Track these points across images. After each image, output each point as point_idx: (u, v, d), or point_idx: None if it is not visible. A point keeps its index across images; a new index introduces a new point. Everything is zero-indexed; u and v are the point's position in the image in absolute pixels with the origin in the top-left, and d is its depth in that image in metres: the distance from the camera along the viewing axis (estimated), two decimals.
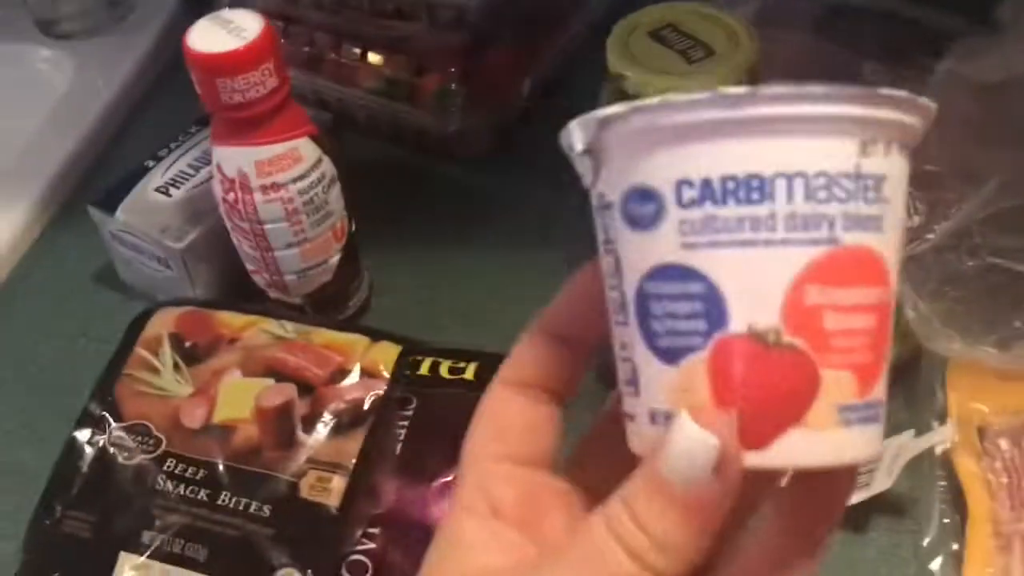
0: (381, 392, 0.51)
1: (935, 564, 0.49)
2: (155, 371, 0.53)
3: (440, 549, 0.29)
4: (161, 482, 0.49)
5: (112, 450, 0.51)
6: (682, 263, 0.25)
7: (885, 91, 0.25)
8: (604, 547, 0.25)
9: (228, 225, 0.57)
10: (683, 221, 0.25)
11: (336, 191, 0.57)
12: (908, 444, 0.51)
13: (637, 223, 0.26)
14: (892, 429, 0.54)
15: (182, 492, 0.49)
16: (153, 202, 0.61)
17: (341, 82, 0.70)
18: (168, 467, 0.50)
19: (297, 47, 0.70)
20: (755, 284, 0.25)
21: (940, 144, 0.54)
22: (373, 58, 0.69)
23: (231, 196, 0.55)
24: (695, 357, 0.25)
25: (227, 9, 0.56)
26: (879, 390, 0.26)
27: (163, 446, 0.50)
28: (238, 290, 0.62)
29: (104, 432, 0.51)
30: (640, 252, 0.26)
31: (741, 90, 0.24)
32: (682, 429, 0.25)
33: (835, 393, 0.25)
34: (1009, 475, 0.51)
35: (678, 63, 0.55)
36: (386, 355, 0.52)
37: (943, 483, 0.51)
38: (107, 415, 0.52)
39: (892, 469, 0.50)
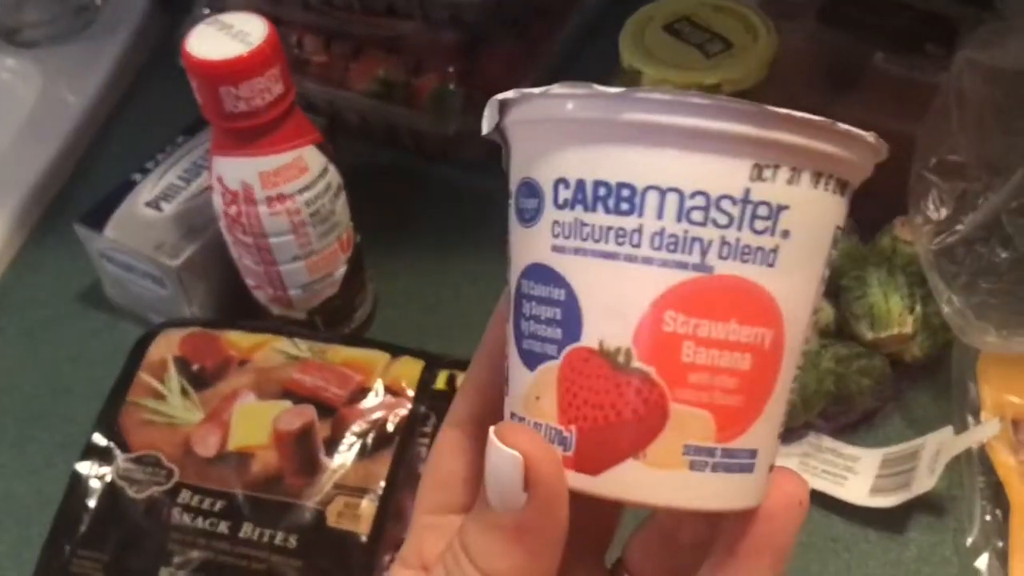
0: (406, 411, 0.49)
1: (981, 562, 0.48)
2: (161, 397, 0.50)
3: None
4: (176, 515, 0.47)
5: (121, 483, 0.48)
6: (550, 265, 0.24)
7: (787, 112, 0.22)
8: None
9: (228, 239, 0.54)
10: (556, 222, 0.24)
11: (342, 200, 0.55)
12: (948, 442, 0.50)
13: (523, 217, 0.25)
14: (922, 425, 0.53)
15: (200, 525, 0.46)
16: (144, 218, 0.58)
17: (331, 85, 0.67)
18: (183, 499, 0.47)
19: (285, 49, 0.67)
20: (612, 300, 0.23)
21: (963, 134, 0.53)
22: (365, 59, 0.67)
23: (233, 209, 0.52)
24: (549, 365, 0.24)
25: (208, 12, 0.53)
26: (752, 439, 0.24)
27: (175, 477, 0.48)
28: (236, 307, 0.59)
29: (111, 464, 0.48)
30: (523, 248, 0.25)
31: (616, 90, 0.22)
32: (490, 447, 0.24)
33: (686, 432, 0.23)
34: None
35: (696, 57, 0.53)
36: (409, 371, 0.50)
37: (982, 478, 0.50)
38: (113, 446, 0.49)
39: (934, 468, 0.49)
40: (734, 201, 0.23)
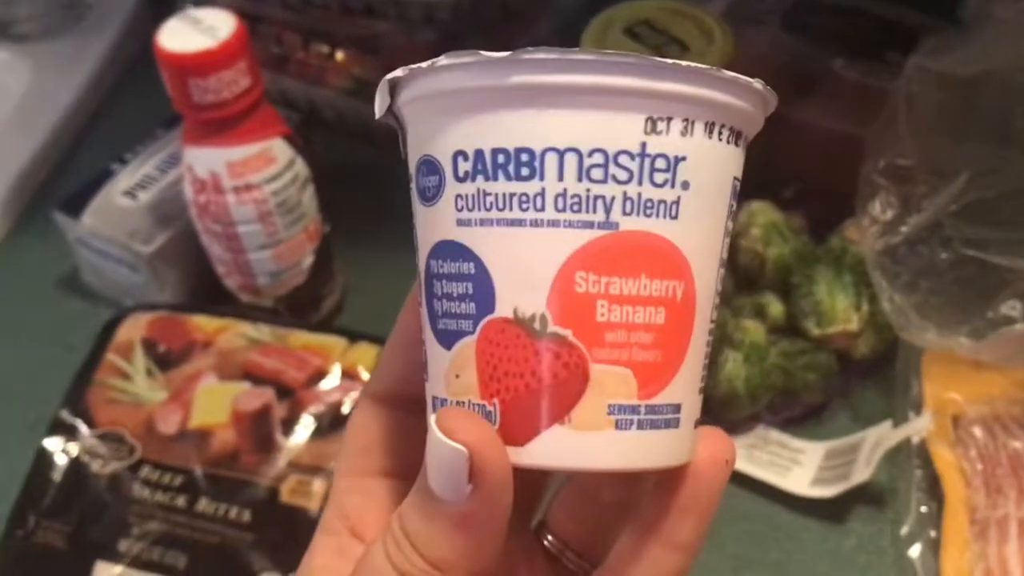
0: None
1: (913, 551, 0.50)
2: (127, 377, 0.52)
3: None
4: (137, 489, 0.48)
5: (85, 458, 0.50)
6: (456, 240, 0.24)
7: (674, 62, 0.22)
8: (381, 572, 0.24)
9: (199, 228, 0.56)
10: (458, 196, 0.23)
11: (310, 192, 0.56)
12: (886, 435, 0.51)
13: (424, 195, 0.25)
14: (869, 421, 0.55)
15: (159, 499, 0.48)
16: (120, 206, 0.60)
17: (309, 82, 0.69)
18: (144, 474, 0.49)
19: (264, 46, 0.69)
20: (522, 267, 0.23)
21: (911, 138, 0.55)
22: (341, 57, 0.69)
23: (202, 198, 0.54)
24: (466, 341, 0.24)
25: (192, 7, 0.55)
26: (674, 393, 0.24)
27: (138, 453, 0.49)
28: (208, 294, 0.61)
29: (76, 440, 0.50)
30: (427, 227, 0.25)
31: (502, 55, 0.22)
32: (432, 439, 0.23)
33: (608, 391, 0.23)
34: (983, 462, 0.52)
35: None
36: (365, 356, 0.52)
37: (920, 471, 0.52)
38: (79, 423, 0.51)
39: (871, 460, 0.50)
40: (632, 156, 0.23)
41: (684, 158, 0.23)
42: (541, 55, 0.22)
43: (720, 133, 0.24)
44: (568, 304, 0.23)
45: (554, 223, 0.23)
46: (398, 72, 0.24)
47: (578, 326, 0.23)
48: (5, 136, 0.74)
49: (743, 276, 0.57)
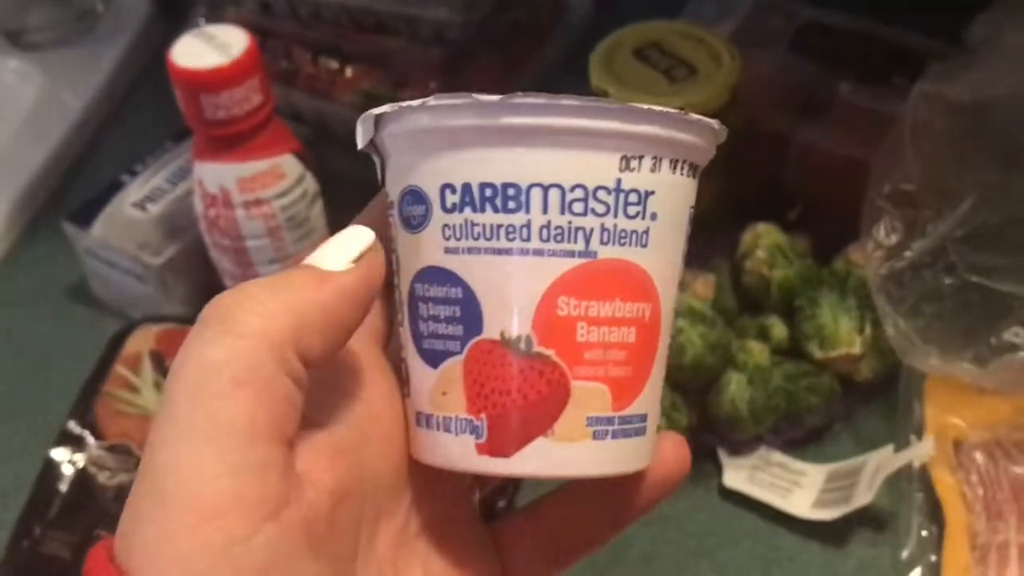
0: None
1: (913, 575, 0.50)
2: (135, 390, 0.52)
3: None
4: None
5: (92, 470, 0.50)
6: (443, 266, 0.26)
7: (647, 107, 0.25)
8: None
9: (208, 241, 0.57)
10: (446, 225, 0.25)
11: (319, 207, 0.57)
12: (888, 459, 0.52)
13: (409, 223, 0.26)
14: (871, 444, 0.55)
15: None
16: (130, 217, 0.61)
17: (318, 96, 0.70)
18: None
19: (274, 61, 0.70)
20: (508, 293, 0.25)
21: (917, 163, 0.55)
22: (351, 72, 0.69)
23: (212, 212, 0.54)
24: (453, 361, 0.26)
25: (205, 22, 0.56)
26: (642, 404, 0.26)
27: None
28: None
29: (83, 451, 0.51)
30: (412, 253, 0.26)
31: (494, 98, 0.24)
32: (348, 229, 0.26)
33: (586, 405, 0.25)
34: (985, 488, 0.52)
35: (661, 82, 0.55)
36: None
37: (921, 495, 0.52)
38: (86, 434, 0.51)
39: (872, 484, 0.51)
40: (608, 191, 0.25)
41: (653, 192, 0.25)
42: (530, 100, 0.24)
43: (682, 168, 0.26)
44: (551, 326, 0.25)
45: (539, 252, 0.25)
46: (385, 108, 0.26)
47: (560, 346, 0.25)
48: (16, 145, 0.74)
49: (748, 298, 0.57)
